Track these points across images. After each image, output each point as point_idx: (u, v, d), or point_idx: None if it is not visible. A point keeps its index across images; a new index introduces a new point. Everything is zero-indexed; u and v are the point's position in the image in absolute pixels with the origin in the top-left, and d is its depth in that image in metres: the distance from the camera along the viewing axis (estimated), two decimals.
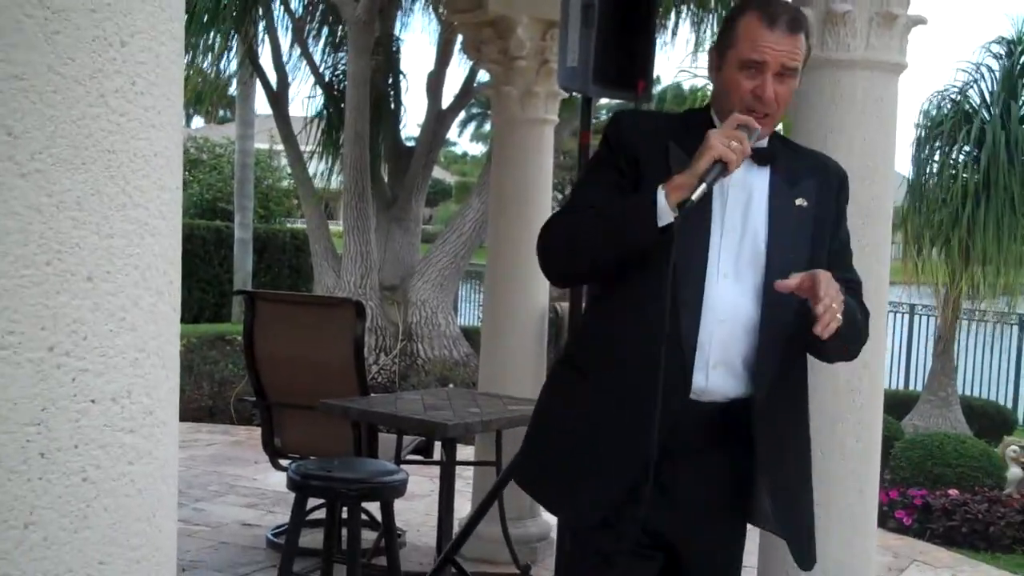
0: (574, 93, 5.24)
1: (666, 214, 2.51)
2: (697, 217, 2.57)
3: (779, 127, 2.89)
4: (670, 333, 2.55)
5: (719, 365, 2.64)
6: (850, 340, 2.73)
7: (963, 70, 9.96)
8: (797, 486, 2.84)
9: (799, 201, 2.70)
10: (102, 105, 1.34)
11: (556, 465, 2.79)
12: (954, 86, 9.91)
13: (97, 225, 1.34)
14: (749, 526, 2.91)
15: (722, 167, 2.49)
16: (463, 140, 65.35)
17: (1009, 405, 11.87)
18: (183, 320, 11.38)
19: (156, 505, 1.42)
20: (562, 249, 2.70)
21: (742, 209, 2.66)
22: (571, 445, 2.75)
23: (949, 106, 9.84)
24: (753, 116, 2.59)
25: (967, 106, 9.80)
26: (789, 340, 2.66)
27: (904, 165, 10.28)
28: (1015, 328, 12.16)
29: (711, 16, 11.56)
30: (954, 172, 9.69)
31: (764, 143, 2.71)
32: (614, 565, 2.69)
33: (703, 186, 2.48)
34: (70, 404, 1.33)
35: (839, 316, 2.47)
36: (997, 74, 9.77)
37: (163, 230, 1.42)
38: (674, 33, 11.99)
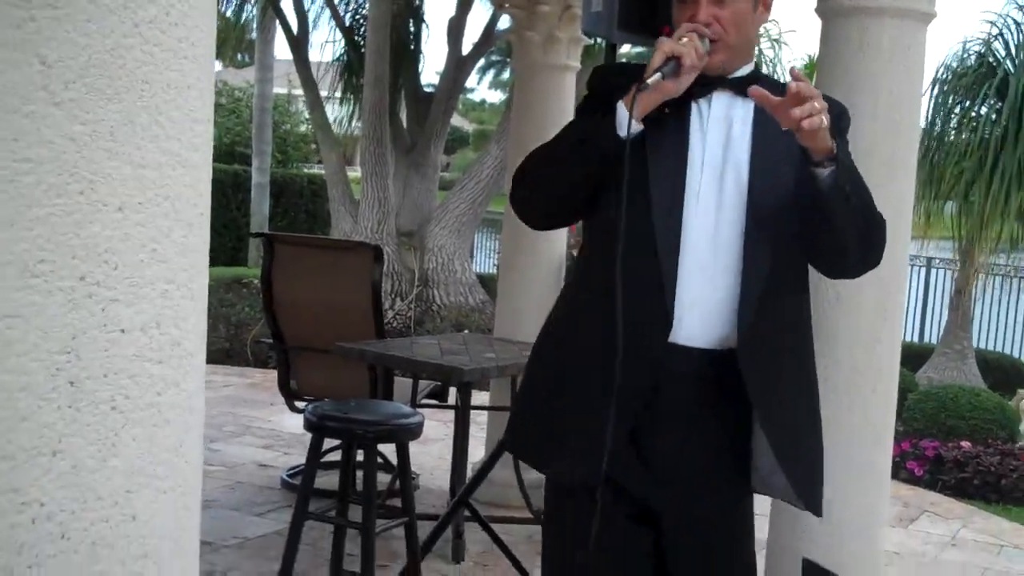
0: (597, 39, 5.21)
1: (626, 121, 2.44)
2: (675, 152, 2.54)
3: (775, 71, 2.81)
4: (648, 271, 2.50)
5: (696, 304, 2.54)
6: (860, 212, 2.53)
7: (988, 21, 9.87)
8: (801, 430, 2.69)
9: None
10: (136, 35, 1.33)
11: (538, 420, 2.73)
12: (977, 38, 9.82)
13: (130, 155, 1.34)
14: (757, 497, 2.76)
15: (675, 63, 2.43)
16: (482, 88, 64.90)
17: None
18: None
19: (183, 436, 1.43)
20: (534, 179, 2.66)
21: (723, 141, 2.59)
22: (551, 399, 2.68)
23: (973, 58, 9.75)
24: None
25: (991, 58, 9.71)
26: (776, 276, 2.56)
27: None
28: None
29: None
30: (975, 125, 9.61)
31: (745, 72, 2.66)
32: (590, 534, 2.51)
33: (657, 75, 2.41)
34: (100, 333, 1.33)
35: (824, 120, 2.34)
36: (1023, 26, 9.68)
37: (195, 162, 1.42)
38: None
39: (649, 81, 2.41)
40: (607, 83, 2.67)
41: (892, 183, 3.89)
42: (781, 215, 2.54)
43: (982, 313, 11.81)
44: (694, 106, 2.58)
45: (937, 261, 12.93)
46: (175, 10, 1.36)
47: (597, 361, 2.52)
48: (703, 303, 2.55)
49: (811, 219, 2.50)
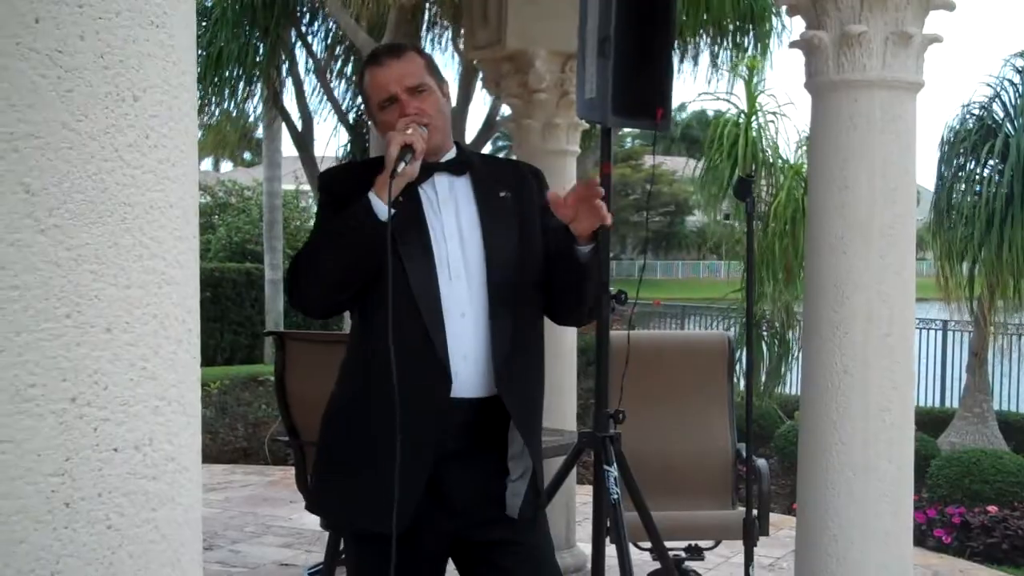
0: (595, 124, 5.26)
1: (381, 208, 2.75)
2: (418, 231, 2.86)
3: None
4: (419, 336, 2.79)
5: (468, 358, 2.84)
6: (590, 277, 2.97)
7: (987, 84, 9.95)
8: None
9: (502, 193, 2.97)
10: (117, 159, 1.37)
11: (339, 483, 2.96)
12: (977, 101, 9.89)
13: (115, 277, 1.36)
14: None
15: (409, 149, 2.76)
16: None
17: None
18: (216, 363, 11.48)
19: (181, 550, 1.44)
20: (308, 273, 2.87)
21: (454, 215, 2.92)
22: (349, 463, 2.92)
23: (973, 121, 9.81)
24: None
25: (991, 121, 9.77)
26: (520, 323, 2.91)
27: (929, 181, 10.26)
28: None
29: (728, 37, 11.58)
30: (980, 186, 9.65)
31: (453, 154, 3.02)
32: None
33: (403, 164, 2.74)
34: (93, 454, 1.35)
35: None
36: (1020, 87, 9.75)
37: (180, 279, 1.44)
38: (695, 60, 12.01)
39: (399, 169, 2.73)
40: (340, 183, 3.01)
41: (893, 251, 3.91)
42: (516, 273, 2.91)
43: (1002, 375, 11.75)
44: (421, 191, 2.92)
45: (953, 324, 12.88)
46: (155, 133, 1.39)
47: (388, 423, 2.71)
48: (474, 357, 2.86)
49: (562, 281, 2.95)
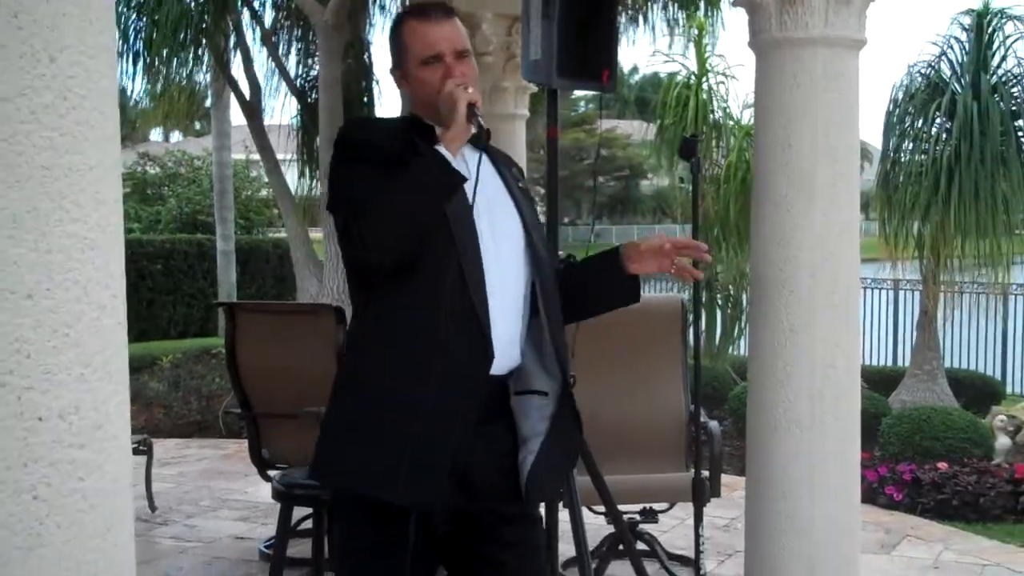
0: (540, 86, 5.24)
1: (454, 164, 2.72)
2: (458, 203, 2.77)
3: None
4: (464, 308, 2.72)
5: (502, 337, 2.79)
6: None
7: (933, 43, 9.98)
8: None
9: (520, 183, 3.00)
10: (33, 121, 1.34)
11: (361, 448, 2.81)
12: (924, 60, 9.93)
13: (35, 242, 1.34)
14: None
15: (474, 108, 2.76)
16: None
17: (996, 376, 11.90)
18: (170, 336, 11.34)
19: (110, 520, 1.42)
20: (384, 227, 2.73)
21: (482, 189, 2.83)
22: (380, 427, 2.78)
23: (920, 79, 9.85)
24: None
25: (938, 79, 9.81)
26: (548, 305, 2.89)
27: (879, 140, 10.30)
28: (1000, 298, 12.17)
29: None
30: (927, 145, 9.70)
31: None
32: (384, 556, 2.80)
33: (479, 120, 2.75)
34: (16, 423, 1.33)
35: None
36: (967, 45, 9.79)
37: (103, 243, 1.42)
38: (646, 21, 11.97)
39: (484, 124, 2.77)
40: (372, 135, 2.93)
41: (836, 209, 3.93)
42: (547, 257, 2.96)
43: (952, 332, 11.85)
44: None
45: (905, 283, 12.97)
46: (72, 94, 1.37)
47: (422, 393, 2.71)
48: (507, 336, 2.82)
49: (585, 299, 3.07)
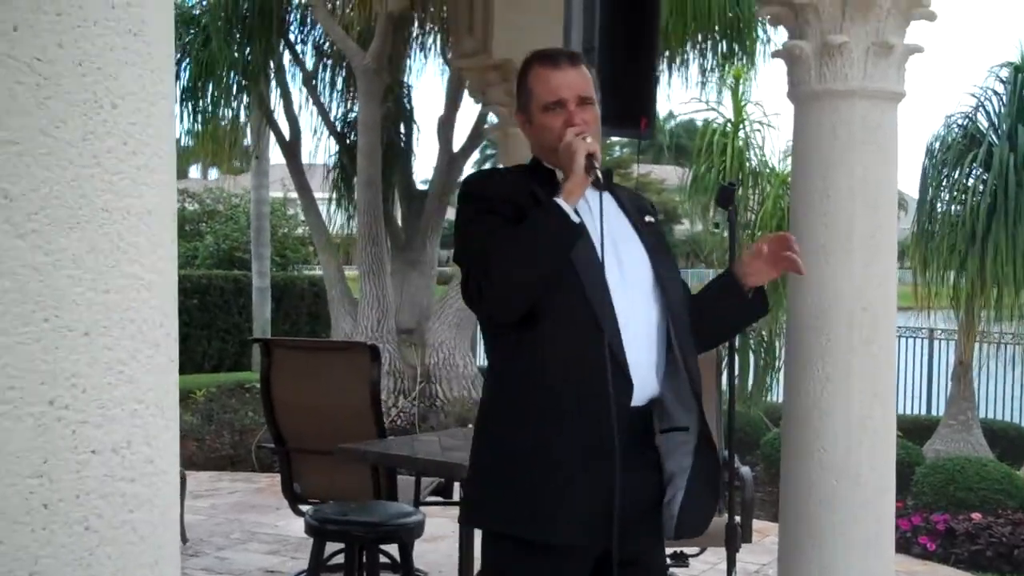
0: None
1: (572, 214, 2.76)
2: (583, 244, 2.82)
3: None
4: (596, 342, 2.78)
5: (639, 368, 2.84)
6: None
7: (971, 94, 9.99)
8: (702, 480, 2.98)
9: (648, 218, 3.04)
10: (95, 166, 1.38)
11: (526, 493, 2.84)
12: (961, 111, 9.93)
13: (93, 281, 1.38)
14: None
15: (594, 158, 2.79)
16: None
17: None
18: (204, 370, 11.43)
19: (158, 552, 1.46)
20: (503, 281, 2.80)
21: (608, 229, 2.89)
22: (542, 472, 2.82)
23: (957, 130, 9.85)
24: None
25: (975, 131, 9.82)
26: (680, 335, 2.92)
27: (916, 190, 10.29)
28: None
29: (715, 47, 11.65)
30: (964, 196, 9.69)
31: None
32: None
33: (598, 170, 2.79)
34: (71, 456, 1.36)
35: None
36: (1004, 98, 9.79)
37: (158, 284, 1.46)
38: (695, 65, 12.04)
39: (599, 173, 2.80)
40: (494, 188, 2.98)
41: (875, 259, 3.94)
42: (679, 289, 3.01)
43: (987, 383, 11.78)
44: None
45: (940, 332, 12.91)
46: (133, 140, 1.41)
47: (572, 432, 2.78)
48: (644, 365, 2.87)
49: (717, 323, 3.09)
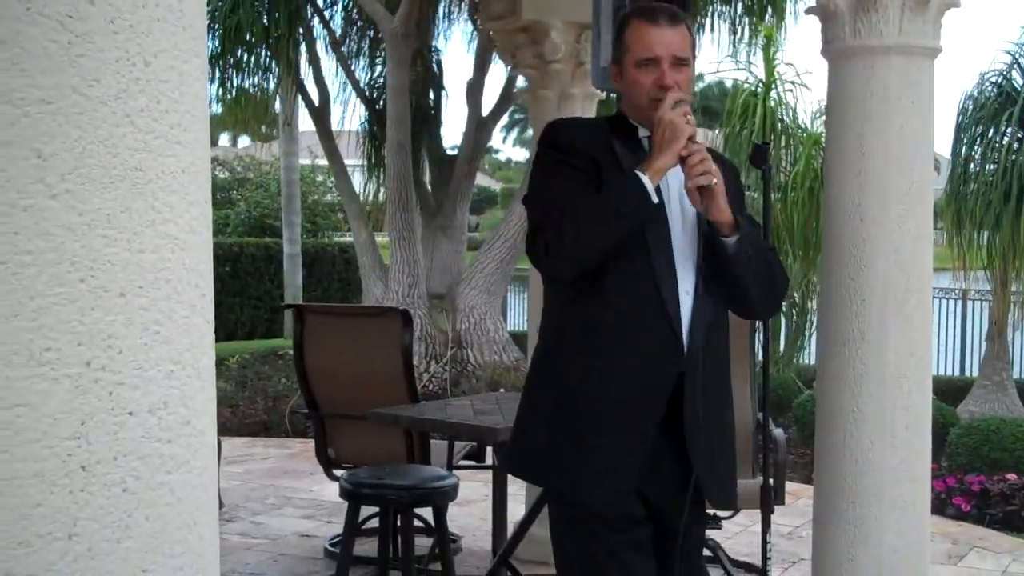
0: (610, 93, 5.26)
1: (652, 193, 2.78)
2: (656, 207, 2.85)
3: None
4: (657, 308, 2.83)
5: (687, 335, 2.87)
6: (761, 271, 2.97)
7: (1006, 51, 9.87)
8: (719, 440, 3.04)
9: (725, 182, 2.93)
10: (128, 124, 1.37)
11: (572, 451, 2.89)
12: (995, 69, 9.81)
13: (128, 241, 1.37)
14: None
15: (692, 141, 2.81)
16: (507, 147, 65.49)
17: None
18: (236, 337, 11.53)
19: (196, 513, 1.45)
20: (575, 243, 2.81)
21: (678, 196, 2.92)
22: (586, 429, 2.88)
23: (991, 88, 9.74)
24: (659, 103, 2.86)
25: (1010, 88, 9.70)
26: (715, 311, 2.96)
27: (949, 150, 10.19)
28: None
29: (744, 5, 11.55)
30: (998, 155, 9.59)
31: None
32: (616, 556, 2.88)
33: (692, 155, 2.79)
34: (108, 417, 1.36)
35: (713, 179, 2.79)
36: None
37: (194, 244, 1.45)
38: (713, 29, 11.95)
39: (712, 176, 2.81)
40: (575, 138, 2.96)
41: (911, 218, 3.90)
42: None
43: (1021, 343, 11.70)
44: None
45: (973, 293, 12.82)
46: (166, 98, 1.40)
47: (622, 393, 2.84)
48: (696, 339, 2.90)
49: (719, 275, 2.95)
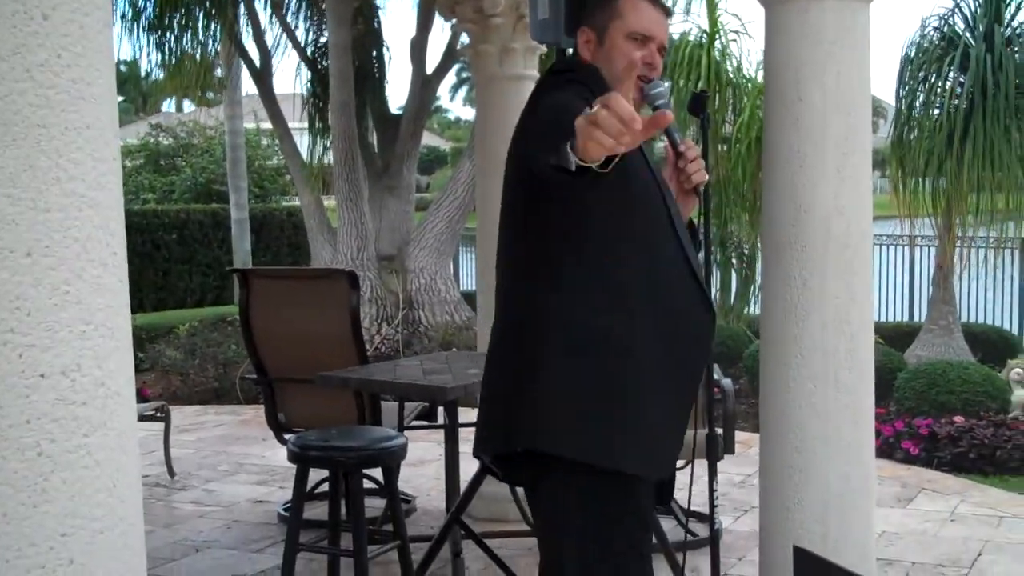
0: (550, 46, 5.22)
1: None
2: (651, 172, 2.85)
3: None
4: (683, 268, 2.83)
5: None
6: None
7: None
8: None
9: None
10: (28, 80, 1.34)
11: (632, 418, 2.77)
12: (937, 14, 9.85)
13: (33, 200, 1.34)
14: None
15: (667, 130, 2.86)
16: (456, 105, 65.25)
17: (1013, 330, 11.86)
18: (186, 305, 11.42)
19: (116, 475, 1.43)
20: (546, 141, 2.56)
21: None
22: (647, 393, 2.77)
23: (933, 34, 9.77)
24: (640, 81, 2.85)
25: (952, 33, 9.74)
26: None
27: (892, 97, 10.23)
28: (1016, 252, 12.12)
29: None
30: (941, 100, 9.64)
31: None
32: (647, 528, 3.00)
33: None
34: (19, 380, 1.33)
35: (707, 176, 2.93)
36: None
37: (103, 201, 1.42)
38: None
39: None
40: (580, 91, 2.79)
41: (848, 165, 3.90)
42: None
43: (968, 287, 11.82)
44: None
45: (920, 239, 12.92)
46: (67, 52, 1.36)
47: (673, 358, 2.80)
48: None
49: None
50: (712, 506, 4.69)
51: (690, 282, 2.84)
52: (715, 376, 4.95)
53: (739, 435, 6.23)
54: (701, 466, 5.36)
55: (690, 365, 2.86)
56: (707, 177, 2.85)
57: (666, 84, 2.91)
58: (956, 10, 9.76)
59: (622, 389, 2.75)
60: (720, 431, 4.95)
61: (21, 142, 1.33)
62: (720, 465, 4.86)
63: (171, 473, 7.02)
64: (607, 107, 2.08)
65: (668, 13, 3.00)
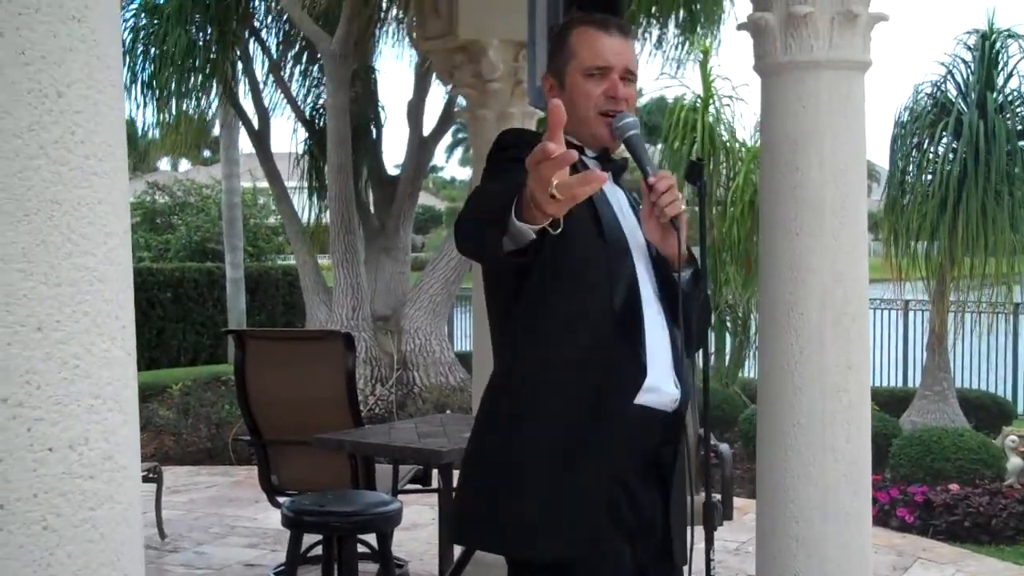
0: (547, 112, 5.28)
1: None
2: (610, 225, 2.66)
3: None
4: (623, 336, 2.60)
5: (656, 365, 2.64)
6: (703, 305, 2.77)
7: (940, 63, 10.00)
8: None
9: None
10: (42, 156, 1.35)
11: (527, 500, 2.61)
12: (930, 80, 9.94)
13: (44, 275, 1.35)
14: None
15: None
16: (451, 166, 65.52)
17: (1007, 396, 11.86)
18: (180, 364, 11.39)
19: (120, 549, 1.43)
20: (472, 235, 2.50)
21: (621, 215, 2.73)
22: (542, 474, 2.60)
23: (926, 100, 9.86)
24: (607, 118, 2.69)
25: (944, 100, 9.83)
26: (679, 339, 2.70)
27: (885, 161, 10.31)
28: (1010, 317, 12.15)
29: (679, 22, 11.68)
30: (934, 166, 9.71)
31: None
32: None
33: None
34: (27, 454, 1.34)
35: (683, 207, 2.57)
36: (972, 66, 9.81)
37: (113, 275, 1.43)
38: (657, 42, 12.03)
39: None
40: (523, 139, 2.66)
41: (845, 231, 3.92)
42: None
43: (962, 352, 11.83)
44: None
45: (914, 303, 12.95)
46: (81, 129, 1.38)
47: (582, 435, 2.58)
48: (661, 362, 2.65)
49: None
50: (709, 574, 4.68)
51: (626, 360, 2.60)
52: (712, 441, 4.95)
53: (736, 501, 6.20)
54: (698, 533, 5.36)
55: (599, 445, 2.59)
56: (682, 209, 2.56)
57: (632, 117, 2.69)
58: (949, 76, 9.86)
59: (516, 467, 2.64)
60: (718, 497, 4.95)
61: (34, 217, 1.34)
62: (716, 532, 4.87)
63: (162, 535, 6.97)
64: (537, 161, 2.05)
65: (626, 33, 2.78)
